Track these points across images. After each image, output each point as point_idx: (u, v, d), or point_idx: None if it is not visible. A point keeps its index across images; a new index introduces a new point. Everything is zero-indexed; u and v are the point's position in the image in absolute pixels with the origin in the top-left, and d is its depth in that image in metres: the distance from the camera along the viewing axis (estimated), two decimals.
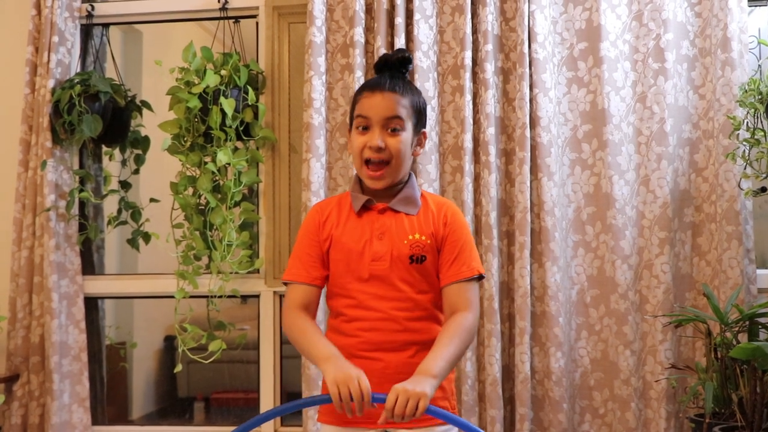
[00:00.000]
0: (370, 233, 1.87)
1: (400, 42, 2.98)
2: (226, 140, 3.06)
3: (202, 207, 3.14)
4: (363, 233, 1.87)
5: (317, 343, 1.79)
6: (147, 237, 3.36)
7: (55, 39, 3.22)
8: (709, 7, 2.92)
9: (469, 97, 2.95)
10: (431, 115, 2.96)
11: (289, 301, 1.89)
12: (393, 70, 1.91)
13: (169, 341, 4.76)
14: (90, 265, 3.42)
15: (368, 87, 1.89)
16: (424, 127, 1.94)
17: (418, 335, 1.85)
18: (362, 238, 1.87)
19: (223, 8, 3.30)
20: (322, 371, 1.71)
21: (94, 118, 3.13)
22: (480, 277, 1.88)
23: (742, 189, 2.80)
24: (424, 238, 1.87)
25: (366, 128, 1.86)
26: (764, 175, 2.71)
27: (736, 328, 2.59)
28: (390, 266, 1.85)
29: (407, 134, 1.87)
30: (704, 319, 2.62)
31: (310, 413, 2.93)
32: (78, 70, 3.36)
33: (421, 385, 1.66)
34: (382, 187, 1.87)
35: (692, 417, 2.59)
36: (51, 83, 3.20)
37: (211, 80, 3.03)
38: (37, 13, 3.27)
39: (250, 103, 3.09)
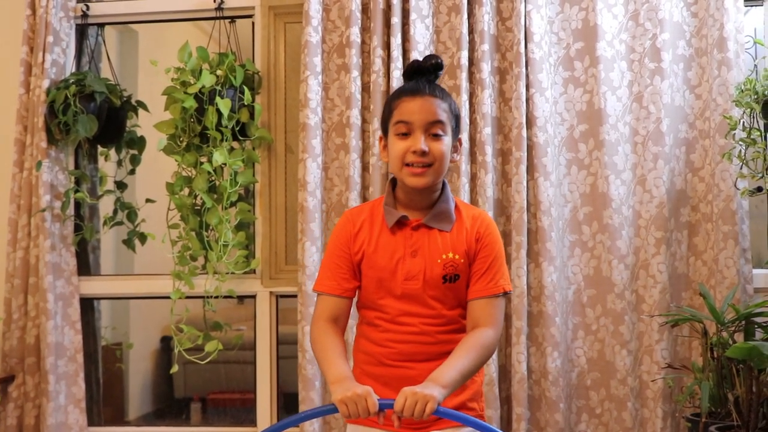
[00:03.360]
0: (403, 251, 1.85)
1: (396, 42, 2.97)
2: (222, 140, 3.05)
3: (198, 207, 3.13)
4: (396, 250, 1.85)
5: (333, 363, 1.77)
6: (143, 237, 3.35)
7: (50, 39, 3.21)
8: (705, 6, 2.92)
9: (465, 96, 2.95)
10: None
11: (319, 313, 1.88)
12: (426, 76, 1.87)
13: (166, 342, 4.75)
14: (86, 265, 3.41)
15: (408, 92, 1.84)
16: (461, 133, 1.91)
17: (449, 345, 1.83)
18: (395, 255, 1.85)
19: (219, 8, 3.29)
20: (331, 392, 1.70)
21: (89, 118, 3.12)
22: (506, 294, 1.87)
23: (738, 189, 2.80)
24: (457, 257, 1.85)
25: (406, 134, 1.82)
26: (760, 175, 2.71)
27: (733, 328, 2.59)
28: (423, 286, 1.84)
29: (448, 139, 1.84)
30: (700, 318, 2.62)
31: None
32: (73, 70, 3.35)
33: (430, 389, 1.65)
34: (423, 185, 1.83)
35: (688, 416, 2.59)
36: (46, 83, 3.19)
37: (207, 80, 3.02)
38: (32, 13, 3.26)
39: (246, 103, 3.09)
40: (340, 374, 1.73)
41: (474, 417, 1.69)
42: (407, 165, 1.81)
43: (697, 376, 2.61)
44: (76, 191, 3.23)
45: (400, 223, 1.87)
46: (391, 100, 1.87)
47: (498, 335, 1.84)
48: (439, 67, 1.88)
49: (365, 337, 1.91)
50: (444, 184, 1.89)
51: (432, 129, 1.81)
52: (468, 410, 1.86)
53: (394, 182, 1.91)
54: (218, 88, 3.04)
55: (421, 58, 1.94)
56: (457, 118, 1.88)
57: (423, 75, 1.88)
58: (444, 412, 1.65)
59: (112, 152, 3.37)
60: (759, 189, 2.79)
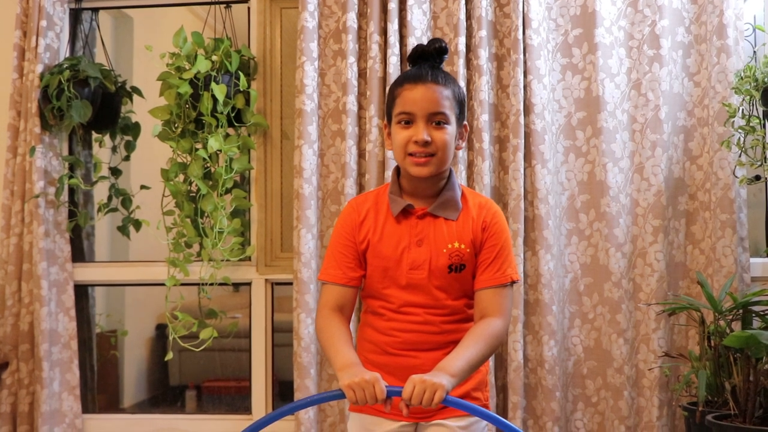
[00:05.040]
0: (408, 240, 1.83)
1: (393, 28, 2.95)
2: (217, 126, 3.03)
3: (193, 194, 3.12)
4: (401, 240, 1.83)
5: (340, 350, 1.76)
6: (137, 224, 3.33)
7: (44, 23, 3.18)
8: None
9: (462, 83, 2.93)
10: None
11: (324, 302, 1.87)
12: (430, 61, 1.84)
13: (161, 329, 4.74)
14: (80, 252, 3.39)
15: (410, 79, 1.81)
16: (465, 120, 1.88)
17: (454, 335, 1.82)
18: (400, 244, 1.83)
19: None
20: (339, 378, 1.68)
21: (83, 103, 3.10)
22: (514, 283, 1.85)
23: (736, 177, 2.79)
24: (463, 246, 1.82)
25: (409, 122, 1.80)
26: (759, 163, 2.70)
27: (730, 317, 2.59)
28: (428, 276, 1.82)
29: (452, 128, 1.81)
30: (698, 307, 2.61)
31: None
32: (67, 55, 3.32)
33: (439, 378, 1.63)
34: (426, 174, 1.80)
35: (685, 405, 2.59)
36: (39, 68, 3.16)
37: (202, 66, 2.99)
38: None
39: (241, 89, 3.06)
40: (347, 360, 1.72)
41: (479, 406, 1.68)
42: (410, 155, 1.80)
43: (694, 364, 2.61)
44: (70, 177, 3.21)
45: (406, 212, 1.85)
46: (394, 87, 1.85)
47: (506, 325, 1.82)
48: (442, 50, 1.85)
49: (370, 326, 1.90)
50: (450, 172, 1.87)
51: (434, 118, 1.79)
52: (472, 399, 1.85)
53: (398, 170, 1.89)
54: (213, 73, 3.02)
55: (425, 42, 1.89)
56: (461, 104, 1.85)
57: (426, 60, 1.85)
58: (452, 401, 1.63)
59: (107, 138, 3.35)
60: (757, 177, 2.78)
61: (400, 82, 1.83)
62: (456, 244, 1.82)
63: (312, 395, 1.71)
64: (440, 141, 1.79)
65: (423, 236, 1.83)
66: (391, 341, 1.85)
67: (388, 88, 1.92)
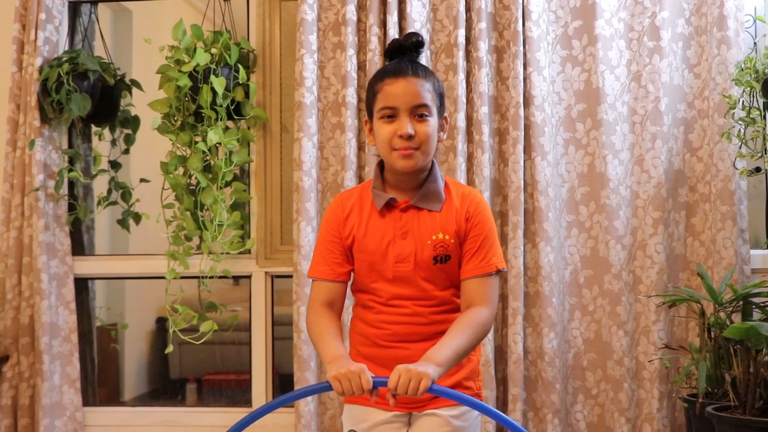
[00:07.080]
0: (393, 233, 1.85)
1: (392, 20, 2.94)
2: (216, 119, 3.02)
3: (193, 187, 3.11)
4: (386, 233, 1.85)
5: (328, 344, 1.79)
6: (137, 217, 3.33)
7: (43, 16, 3.17)
8: None
9: (462, 75, 2.93)
10: None
11: (314, 298, 1.89)
12: (408, 55, 1.86)
13: (161, 322, 4.74)
14: (80, 245, 3.39)
15: (390, 73, 1.82)
16: (445, 112, 1.90)
17: (443, 325, 1.83)
18: (385, 238, 1.85)
19: None
20: (326, 370, 1.71)
21: (82, 96, 3.10)
22: (499, 272, 1.86)
23: (736, 168, 2.79)
24: (447, 237, 1.84)
25: (392, 117, 1.81)
26: (759, 155, 2.70)
27: (730, 308, 2.59)
28: (414, 268, 1.84)
29: (434, 120, 1.82)
30: (698, 299, 2.61)
31: None
32: (66, 48, 3.31)
33: (424, 367, 1.65)
34: (413, 167, 1.81)
35: (685, 397, 2.59)
36: (38, 61, 3.15)
37: (201, 58, 2.99)
38: None
39: (240, 82, 3.06)
40: (335, 353, 1.74)
41: (470, 396, 1.69)
42: (395, 149, 1.81)
43: (694, 356, 2.61)
44: (70, 170, 3.21)
45: (389, 206, 1.86)
46: (374, 82, 1.86)
47: (493, 313, 1.84)
48: (420, 44, 1.87)
49: (360, 319, 1.92)
50: (432, 164, 1.88)
51: (417, 111, 1.80)
52: (464, 389, 1.86)
53: (381, 165, 1.90)
54: (213, 66, 3.01)
55: (404, 37, 1.92)
56: (441, 96, 1.87)
57: (404, 54, 1.86)
58: (438, 389, 1.65)
59: (106, 131, 3.34)
60: (757, 169, 2.77)
61: (380, 77, 1.84)
62: (440, 235, 1.84)
63: (299, 389, 1.72)
64: (423, 133, 1.80)
65: (407, 229, 1.84)
66: (381, 333, 1.86)
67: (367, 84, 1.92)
